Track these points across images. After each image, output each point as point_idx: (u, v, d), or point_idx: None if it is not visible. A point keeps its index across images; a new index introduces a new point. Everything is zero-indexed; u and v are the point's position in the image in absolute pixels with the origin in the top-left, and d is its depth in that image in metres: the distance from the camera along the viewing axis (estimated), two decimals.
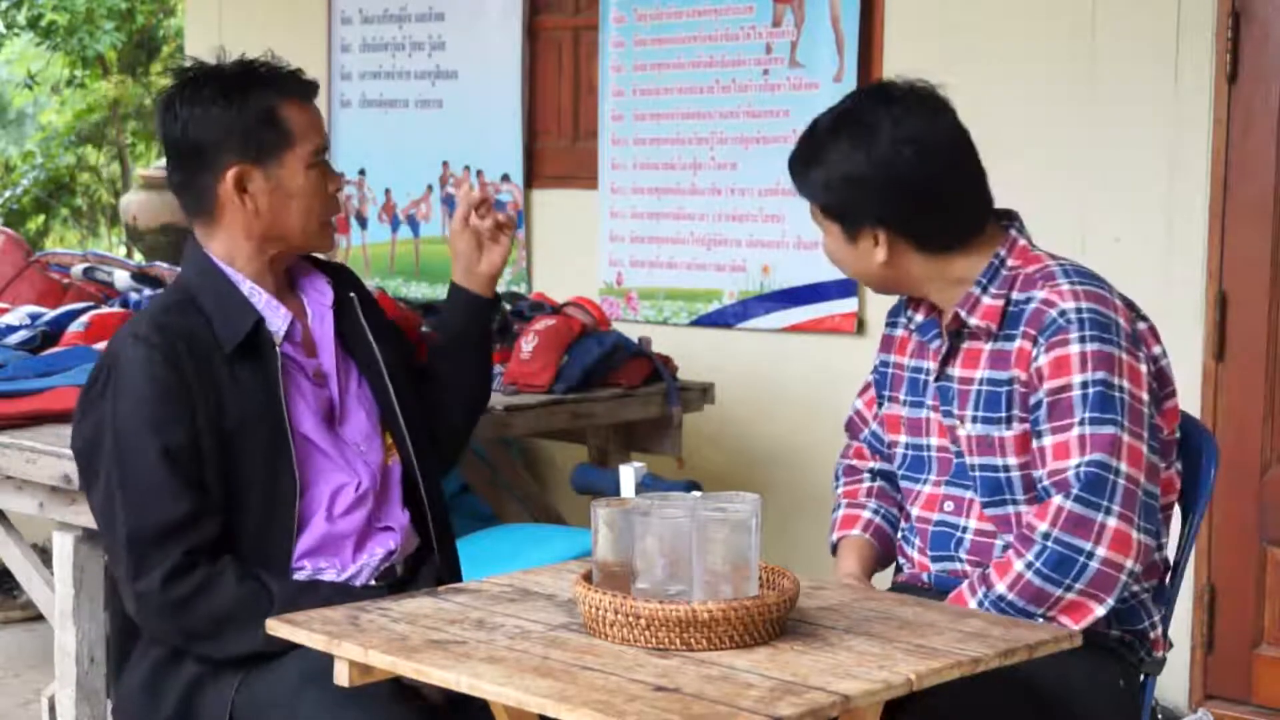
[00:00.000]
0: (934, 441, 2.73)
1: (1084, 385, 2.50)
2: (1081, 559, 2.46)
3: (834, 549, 2.89)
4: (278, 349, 2.74)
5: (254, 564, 2.65)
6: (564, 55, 5.58)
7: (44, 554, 4.25)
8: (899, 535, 2.82)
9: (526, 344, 4.30)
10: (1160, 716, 2.75)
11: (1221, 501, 4.09)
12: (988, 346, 2.62)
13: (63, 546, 3.49)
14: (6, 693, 4.68)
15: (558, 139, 5.62)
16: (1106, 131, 4.39)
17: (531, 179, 5.65)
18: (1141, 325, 2.62)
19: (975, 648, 2.14)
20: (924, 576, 2.72)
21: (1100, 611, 2.49)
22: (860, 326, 4.84)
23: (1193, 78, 4.27)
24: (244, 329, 2.71)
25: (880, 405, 2.87)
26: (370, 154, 6.10)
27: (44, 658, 4.29)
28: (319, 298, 2.87)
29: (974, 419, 2.62)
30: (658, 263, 5.30)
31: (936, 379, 2.70)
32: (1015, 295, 2.61)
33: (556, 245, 5.62)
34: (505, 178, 5.66)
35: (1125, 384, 2.51)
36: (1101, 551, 2.46)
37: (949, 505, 2.69)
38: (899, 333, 2.84)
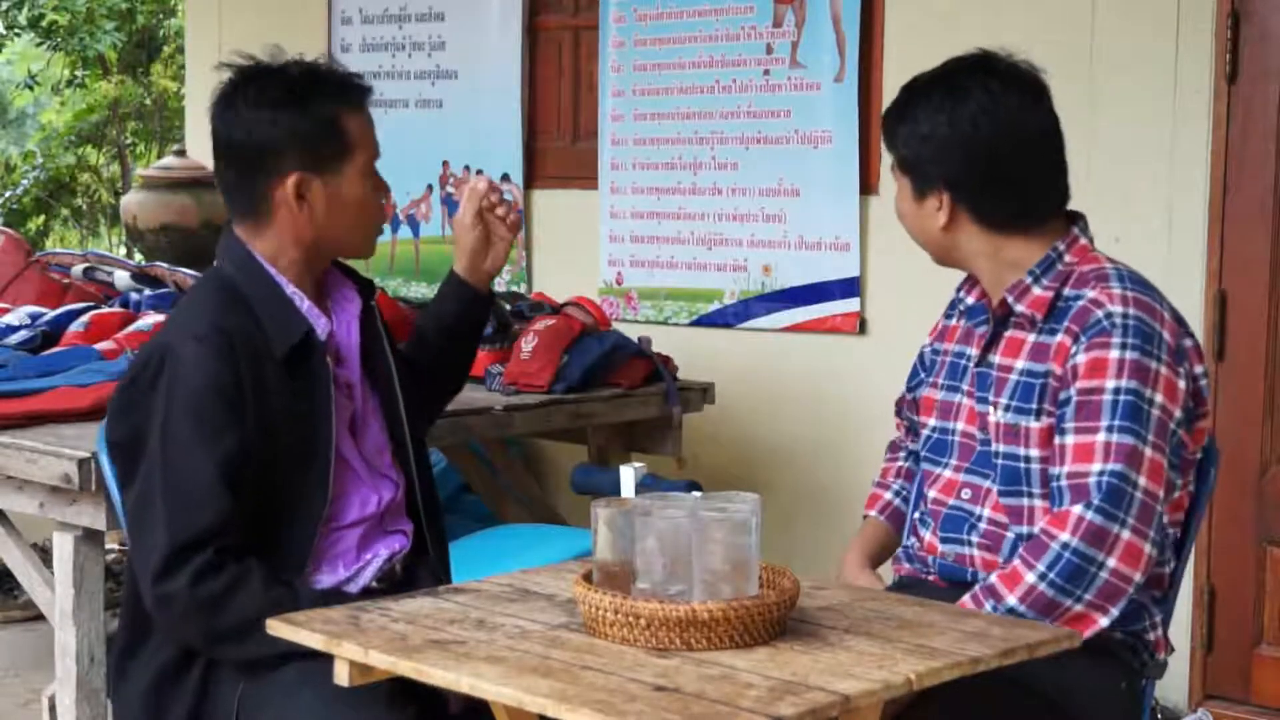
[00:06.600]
0: (960, 426, 2.73)
1: (1116, 391, 2.50)
2: (1093, 569, 2.46)
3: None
4: (328, 359, 2.70)
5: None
6: (564, 55, 5.58)
7: (44, 554, 4.25)
8: (915, 516, 2.83)
9: (526, 344, 4.30)
10: (1160, 716, 2.74)
11: (1221, 501, 4.09)
12: (1030, 337, 2.63)
13: (63, 546, 3.49)
14: (6, 693, 4.68)
15: (558, 139, 5.62)
16: (1106, 131, 4.39)
17: (531, 179, 5.65)
18: (1188, 342, 2.61)
19: (975, 648, 2.14)
20: (930, 560, 2.72)
21: (1104, 622, 2.49)
22: (862, 326, 4.83)
23: (1193, 78, 4.27)
24: (295, 336, 2.66)
25: (919, 389, 2.88)
26: None
27: (44, 658, 4.29)
28: (347, 305, 2.82)
29: (1006, 407, 2.62)
30: (658, 263, 5.30)
31: (977, 364, 2.71)
32: (1066, 291, 2.61)
33: (556, 245, 5.62)
34: (505, 178, 5.66)
35: (1158, 398, 2.51)
36: (1112, 563, 2.46)
37: (966, 493, 2.69)
38: (952, 323, 2.85)
